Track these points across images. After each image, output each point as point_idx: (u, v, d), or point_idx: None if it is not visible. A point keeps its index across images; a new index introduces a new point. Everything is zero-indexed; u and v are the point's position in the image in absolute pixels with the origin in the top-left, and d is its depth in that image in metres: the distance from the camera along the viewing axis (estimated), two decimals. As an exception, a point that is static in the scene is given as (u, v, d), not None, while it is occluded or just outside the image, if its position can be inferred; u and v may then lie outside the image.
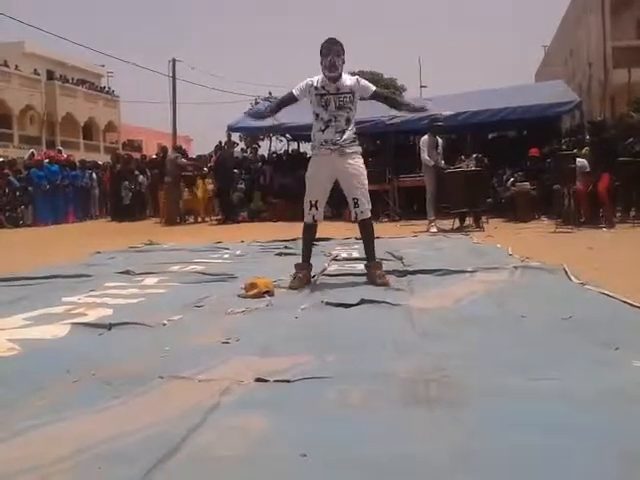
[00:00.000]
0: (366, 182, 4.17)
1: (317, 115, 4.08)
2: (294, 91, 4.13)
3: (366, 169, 4.23)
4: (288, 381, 2.01)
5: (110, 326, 2.96)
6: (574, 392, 1.85)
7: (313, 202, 4.12)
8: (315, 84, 4.06)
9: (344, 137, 4.03)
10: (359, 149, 4.18)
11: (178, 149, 14.87)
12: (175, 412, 1.79)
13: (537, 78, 29.65)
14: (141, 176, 15.73)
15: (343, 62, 4.08)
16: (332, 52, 4.01)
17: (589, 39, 18.83)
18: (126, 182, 14.97)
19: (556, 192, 9.07)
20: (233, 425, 1.70)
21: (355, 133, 4.13)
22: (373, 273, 4.10)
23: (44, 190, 14.02)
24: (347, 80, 4.09)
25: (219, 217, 13.10)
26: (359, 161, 4.14)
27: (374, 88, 4.23)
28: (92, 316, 3.27)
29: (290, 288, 3.94)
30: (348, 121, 4.07)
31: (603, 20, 17.43)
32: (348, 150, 4.06)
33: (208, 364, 2.25)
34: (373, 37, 76.44)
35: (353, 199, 4.10)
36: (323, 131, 4.06)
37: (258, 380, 2.04)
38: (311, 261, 4.26)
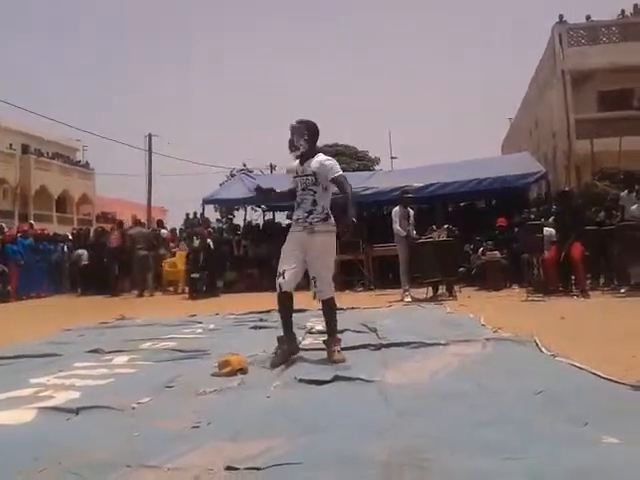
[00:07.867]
0: (331, 263, 4.22)
1: (295, 193, 4.25)
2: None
3: (340, 239, 4.29)
4: (258, 469, 1.97)
5: (77, 410, 2.88)
6: (545, 473, 1.84)
7: (281, 271, 4.08)
8: (295, 165, 4.25)
9: (312, 216, 4.09)
10: (330, 228, 4.11)
11: (137, 222, 15.35)
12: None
13: (503, 150, 30.65)
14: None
15: (308, 141, 4.15)
16: (294, 131, 4.19)
17: (552, 112, 19.65)
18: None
19: (525, 261, 9.26)
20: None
21: (327, 213, 4.12)
22: (329, 350, 4.05)
23: (19, 264, 13.83)
24: (313, 162, 4.12)
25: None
26: (327, 240, 4.11)
27: (335, 175, 4.07)
28: (60, 399, 3.19)
29: (271, 366, 3.83)
30: (314, 203, 4.10)
31: (565, 94, 18.30)
32: (317, 229, 4.07)
33: (178, 451, 2.19)
34: (347, 112, 79.19)
35: (312, 278, 4.14)
36: (295, 209, 4.24)
37: (228, 468, 1.99)
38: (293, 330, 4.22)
